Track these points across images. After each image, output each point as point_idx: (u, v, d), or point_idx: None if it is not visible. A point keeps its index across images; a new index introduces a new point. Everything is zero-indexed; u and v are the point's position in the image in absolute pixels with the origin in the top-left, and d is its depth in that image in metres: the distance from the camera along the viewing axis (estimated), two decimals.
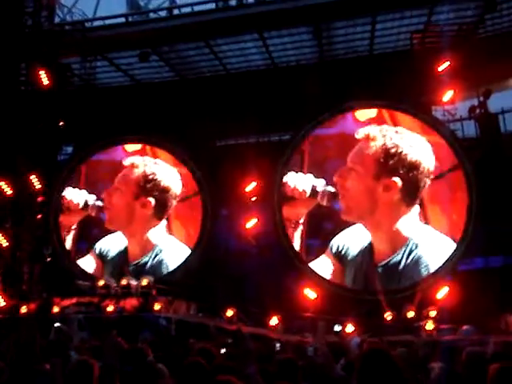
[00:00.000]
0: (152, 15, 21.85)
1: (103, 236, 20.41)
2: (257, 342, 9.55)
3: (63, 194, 20.89)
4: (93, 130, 21.48)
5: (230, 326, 14.54)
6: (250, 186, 19.22)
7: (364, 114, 18.98)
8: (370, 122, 18.57)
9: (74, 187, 21.08)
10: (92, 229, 20.83)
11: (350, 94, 18.92)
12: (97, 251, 20.24)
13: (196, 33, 20.03)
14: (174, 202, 20.25)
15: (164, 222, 20.14)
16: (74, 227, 20.85)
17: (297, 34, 20.03)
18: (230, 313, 16.42)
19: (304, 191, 18.38)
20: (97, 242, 20.45)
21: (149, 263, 19.89)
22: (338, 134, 19.27)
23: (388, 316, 16.17)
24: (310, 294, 17.81)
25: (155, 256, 19.98)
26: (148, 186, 20.14)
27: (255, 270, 18.55)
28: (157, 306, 15.97)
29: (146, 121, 20.50)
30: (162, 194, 20.12)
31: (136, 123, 20.62)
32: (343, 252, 17.96)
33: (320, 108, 19.34)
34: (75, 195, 20.88)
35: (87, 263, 20.18)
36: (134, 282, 17.12)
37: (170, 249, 20.05)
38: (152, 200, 19.99)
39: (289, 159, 19.31)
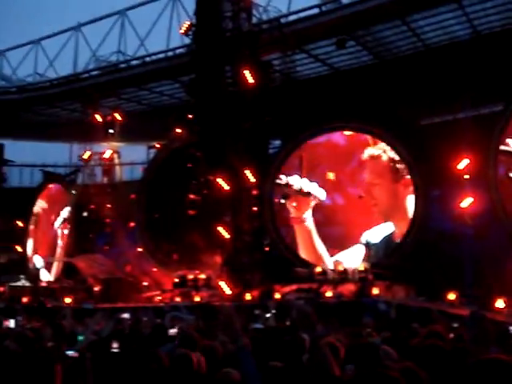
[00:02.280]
0: (345, 1, 21.75)
1: (328, 223, 21.11)
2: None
3: (291, 182, 21.73)
4: (298, 122, 22.04)
5: (457, 310, 14.05)
6: (462, 164, 18.34)
7: None
8: None
9: (297, 174, 21.90)
10: (314, 214, 21.50)
11: None
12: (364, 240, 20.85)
13: (392, 12, 19.58)
14: None
15: None
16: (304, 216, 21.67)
17: None
18: (452, 296, 15.87)
19: None
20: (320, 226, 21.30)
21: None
22: None
23: None
24: None
25: None
26: (399, 166, 20.50)
27: (473, 252, 17.73)
28: (375, 291, 15.97)
29: (348, 107, 20.55)
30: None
31: (339, 111, 20.77)
32: None
33: None
34: (302, 183, 21.70)
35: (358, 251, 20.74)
36: (350, 268, 17.31)
37: None
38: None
39: (503, 131, 18.13)
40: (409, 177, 20.27)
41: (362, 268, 17.07)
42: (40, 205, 30.06)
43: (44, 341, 6.17)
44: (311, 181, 21.55)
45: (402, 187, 20.43)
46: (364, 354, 5.04)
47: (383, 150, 20.80)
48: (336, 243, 20.94)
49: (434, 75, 19.55)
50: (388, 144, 20.53)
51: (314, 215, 21.59)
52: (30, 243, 29.70)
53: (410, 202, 20.24)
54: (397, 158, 20.55)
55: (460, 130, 17.80)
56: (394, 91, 20.15)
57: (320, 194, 21.36)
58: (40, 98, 28.70)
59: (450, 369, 4.30)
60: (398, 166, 20.48)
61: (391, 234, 20.48)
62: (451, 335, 8.58)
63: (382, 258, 19.45)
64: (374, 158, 20.90)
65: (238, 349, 3.90)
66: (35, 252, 29.34)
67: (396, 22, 20.34)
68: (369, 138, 21.16)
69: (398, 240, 20.21)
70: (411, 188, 20.21)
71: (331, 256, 20.59)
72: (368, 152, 21.03)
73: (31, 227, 29.91)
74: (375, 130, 20.75)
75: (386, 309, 14.89)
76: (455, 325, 11.23)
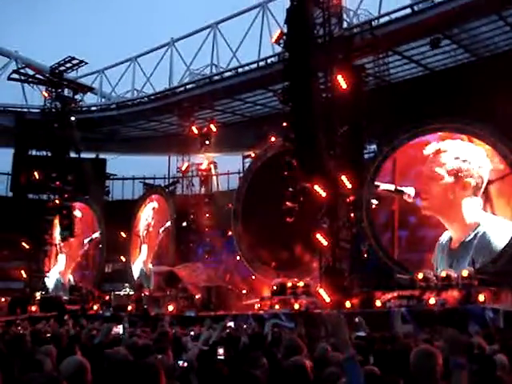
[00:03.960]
0: None
1: (421, 224, 20.72)
2: None
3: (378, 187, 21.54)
4: (392, 126, 21.65)
5: None
6: None
7: None
8: None
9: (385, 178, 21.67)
10: (409, 216, 21.21)
11: None
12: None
13: (487, 7, 18.94)
14: (486, 179, 19.60)
15: (480, 201, 19.57)
16: None
17: None
18: None
19: None
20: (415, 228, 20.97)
21: (474, 241, 19.42)
22: None
23: None
24: None
25: (479, 234, 19.40)
26: (462, 166, 19.91)
27: None
28: (481, 298, 15.34)
29: (445, 108, 19.95)
30: (476, 173, 19.82)
31: (435, 112, 20.21)
32: None
33: None
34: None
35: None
36: (453, 274, 16.74)
37: (494, 227, 19.23)
38: (471, 180, 19.74)
39: None
40: (467, 180, 19.71)
41: (465, 274, 16.42)
42: (149, 215, 31.03)
43: (151, 350, 6.34)
44: (405, 184, 21.15)
45: (458, 188, 19.84)
46: (477, 364, 4.88)
47: (450, 147, 20.32)
48: (431, 246, 20.41)
49: None
50: (488, 143, 19.71)
51: (408, 218, 21.25)
52: (143, 251, 30.71)
53: (467, 207, 19.64)
54: (463, 158, 19.99)
55: None
56: (493, 89, 19.36)
57: (412, 192, 20.95)
58: (138, 113, 29.87)
59: None
60: (461, 166, 19.91)
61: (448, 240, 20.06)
62: None
63: (488, 263, 18.68)
64: (439, 152, 20.39)
65: (345, 359, 3.84)
66: (147, 259, 30.34)
67: (492, 17, 19.68)
68: (463, 135, 20.43)
69: (454, 247, 19.76)
70: (468, 192, 19.67)
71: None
72: (434, 147, 20.56)
73: (143, 236, 30.96)
74: (474, 130, 19.99)
75: (493, 316, 14.25)
76: None
